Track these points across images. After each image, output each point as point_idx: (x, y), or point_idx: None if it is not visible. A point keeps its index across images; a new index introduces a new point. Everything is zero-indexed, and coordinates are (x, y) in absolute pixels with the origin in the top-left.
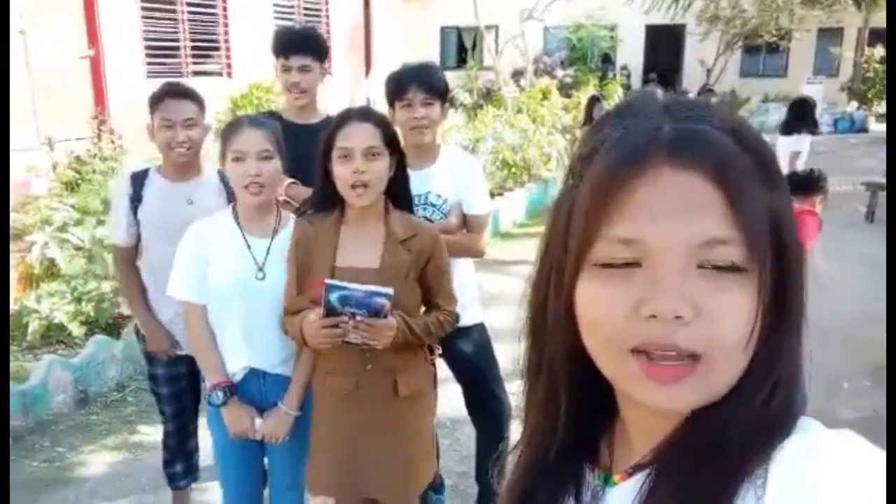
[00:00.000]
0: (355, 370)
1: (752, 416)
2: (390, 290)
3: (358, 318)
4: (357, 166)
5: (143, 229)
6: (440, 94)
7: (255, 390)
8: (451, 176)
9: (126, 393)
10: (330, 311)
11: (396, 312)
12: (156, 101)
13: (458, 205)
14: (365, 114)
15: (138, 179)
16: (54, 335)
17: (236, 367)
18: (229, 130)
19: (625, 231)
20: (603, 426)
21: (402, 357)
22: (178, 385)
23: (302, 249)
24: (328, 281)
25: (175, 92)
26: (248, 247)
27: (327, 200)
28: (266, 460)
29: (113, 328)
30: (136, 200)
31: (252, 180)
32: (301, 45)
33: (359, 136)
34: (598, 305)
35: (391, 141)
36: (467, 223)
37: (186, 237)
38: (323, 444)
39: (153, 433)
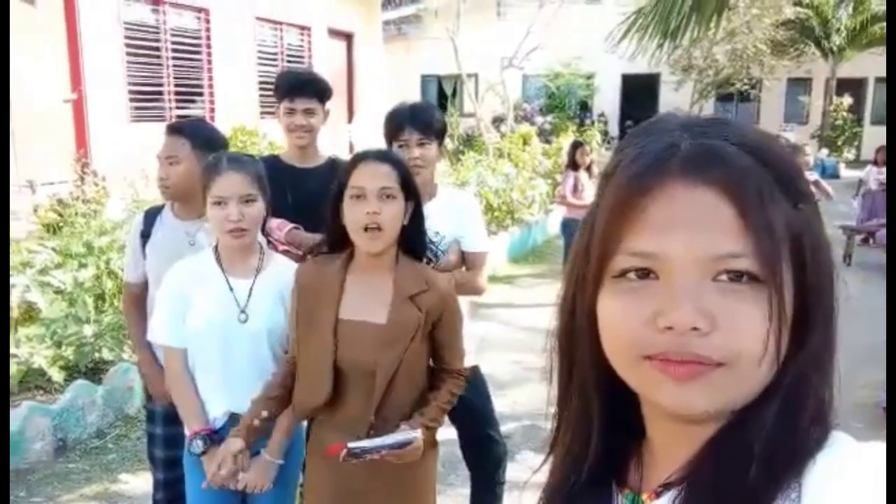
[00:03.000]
0: (359, 427)
1: (781, 431)
2: (418, 434)
3: (384, 452)
4: (370, 207)
5: (148, 266)
6: (437, 133)
7: None
8: (448, 213)
9: (107, 440)
10: (353, 456)
11: (415, 423)
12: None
13: (456, 242)
14: (381, 155)
15: (151, 215)
16: (33, 380)
17: (217, 412)
18: (209, 172)
19: (641, 245)
20: (632, 447)
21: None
22: (175, 428)
23: (307, 295)
24: (350, 445)
25: (168, 128)
26: (231, 288)
27: (337, 243)
28: None
29: (94, 373)
30: (145, 236)
31: (234, 226)
32: (306, 87)
33: (373, 176)
34: (616, 317)
35: (407, 184)
36: (467, 260)
37: (167, 279)
38: (320, 497)
39: (134, 481)
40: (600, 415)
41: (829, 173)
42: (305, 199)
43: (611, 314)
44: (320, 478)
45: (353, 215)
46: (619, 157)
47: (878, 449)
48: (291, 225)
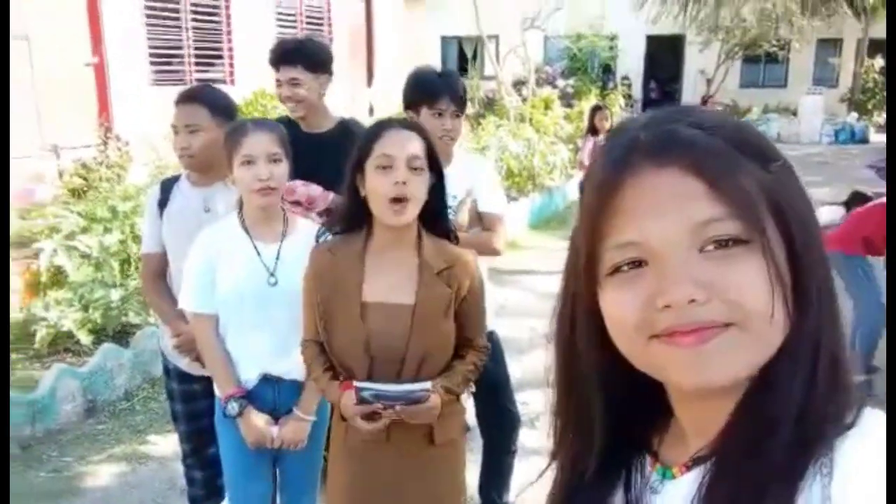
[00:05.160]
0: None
1: (804, 403)
2: (428, 385)
3: (397, 408)
4: (399, 177)
5: (164, 235)
6: (465, 104)
7: (268, 397)
8: (464, 175)
9: (135, 402)
10: (362, 402)
11: (437, 384)
12: (175, 105)
13: (469, 201)
14: (406, 123)
15: (168, 184)
16: (62, 343)
17: (251, 374)
18: (235, 134)
19: (621, 237)
20: (652, 428)
21: None
22: (194, 405)
23: (325, 282)
24: (357, 384)
25: (183, 96)
26: (258, 253)
27: (356, 220)
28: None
29: (121, 336)
30: (162, 205)
31: (263, 184)
32: (289, 57)
33: (403, 144)
34: (618, 308)
35: (432, 156)
36: (482, 221)
37: (195, 248)
38: (344, 485)
39: (162, 442)
40: (606, 404)
41: (858, 138)
42: (308, 163)
43: (613, 307)
44: (344, 466)
45: (380, 186)
46: (593, 163)
47: None
48: (332, 194)
